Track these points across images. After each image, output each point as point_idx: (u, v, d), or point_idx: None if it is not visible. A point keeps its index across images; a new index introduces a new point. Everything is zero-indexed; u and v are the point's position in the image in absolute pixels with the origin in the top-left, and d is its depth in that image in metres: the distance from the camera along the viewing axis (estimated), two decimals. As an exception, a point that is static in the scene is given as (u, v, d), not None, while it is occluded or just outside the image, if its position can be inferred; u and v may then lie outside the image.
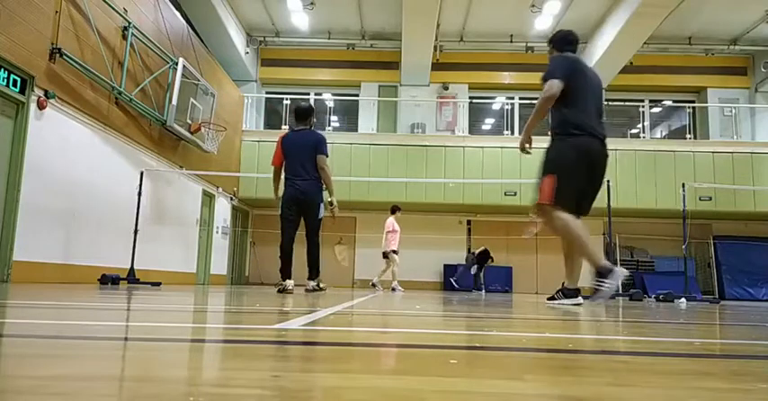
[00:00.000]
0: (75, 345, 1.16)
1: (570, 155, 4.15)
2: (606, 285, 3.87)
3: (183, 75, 9.66)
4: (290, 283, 5.70)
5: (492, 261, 14.23)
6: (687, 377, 0.93)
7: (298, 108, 6.12)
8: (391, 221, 11.38)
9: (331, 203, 6.07)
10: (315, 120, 6.25)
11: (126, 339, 1.36)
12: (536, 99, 4.35)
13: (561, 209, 4.09)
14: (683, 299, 7.32)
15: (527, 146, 4.45)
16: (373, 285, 11.25)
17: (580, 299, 4.27)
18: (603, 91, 4.55)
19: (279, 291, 5.65)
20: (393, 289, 10.76)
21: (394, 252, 11.28)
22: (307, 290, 5.95)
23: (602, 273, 3.91)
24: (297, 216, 5.86)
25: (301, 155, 5.85)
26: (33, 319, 1.86)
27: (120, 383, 0.75)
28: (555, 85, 4.18)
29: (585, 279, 4.25)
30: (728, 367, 1.10)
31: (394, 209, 11.46)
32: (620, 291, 7.63)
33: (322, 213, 5.94)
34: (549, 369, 0.99)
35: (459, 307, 3.64)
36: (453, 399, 0.70)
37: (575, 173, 4.14)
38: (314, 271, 6.00)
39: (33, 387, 0.69)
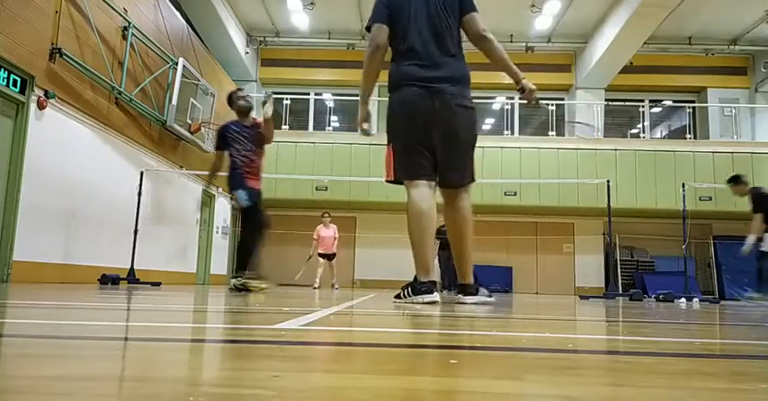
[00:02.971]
0: (75, 345, 1.16)
1: (393, 114, 3.43)
2: (412, 300, 3.24)
3: (183, 75, 9.67)
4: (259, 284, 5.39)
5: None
6: (687, 377, 0.93)
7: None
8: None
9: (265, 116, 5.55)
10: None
11: (126, 339, 1.36)
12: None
13: (410, 182, 3.45)
14: (682, 299, 7.32)
15: (365, 125, 3.62)
16: (335, 287, 11.32)
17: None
18: (471, 12, 3.63)
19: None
20: (334, 286, 11.31)
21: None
22: (230, 289, 5.34)
23: (414, 288, 3.26)
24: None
25: None
26: (33, 319, 1.86)
27: (120, 383, 0.75)
28: (372, 37, 3.45)
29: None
30: (728, 367, 1.10)
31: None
32: (622, 292, 7.59)
33: (242, 199, 5.54)
34: (549, 369, 0.99)
35: (458, 307, 3.65)
36: (453, 399, 0.70)
37: (405, 133, 3.37)
38: (238, 266, 5.40)
39: (33, 387, 0.69)
